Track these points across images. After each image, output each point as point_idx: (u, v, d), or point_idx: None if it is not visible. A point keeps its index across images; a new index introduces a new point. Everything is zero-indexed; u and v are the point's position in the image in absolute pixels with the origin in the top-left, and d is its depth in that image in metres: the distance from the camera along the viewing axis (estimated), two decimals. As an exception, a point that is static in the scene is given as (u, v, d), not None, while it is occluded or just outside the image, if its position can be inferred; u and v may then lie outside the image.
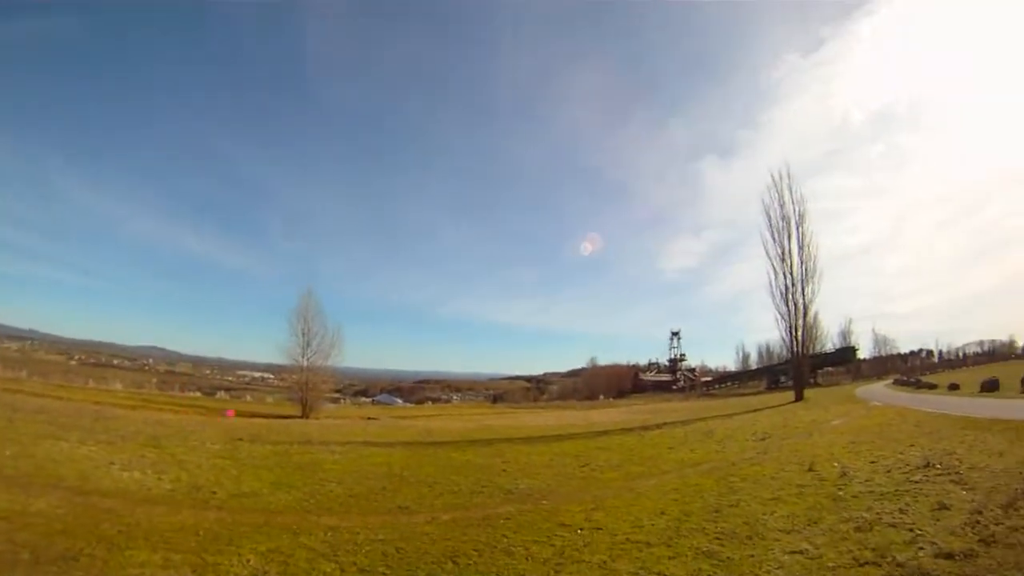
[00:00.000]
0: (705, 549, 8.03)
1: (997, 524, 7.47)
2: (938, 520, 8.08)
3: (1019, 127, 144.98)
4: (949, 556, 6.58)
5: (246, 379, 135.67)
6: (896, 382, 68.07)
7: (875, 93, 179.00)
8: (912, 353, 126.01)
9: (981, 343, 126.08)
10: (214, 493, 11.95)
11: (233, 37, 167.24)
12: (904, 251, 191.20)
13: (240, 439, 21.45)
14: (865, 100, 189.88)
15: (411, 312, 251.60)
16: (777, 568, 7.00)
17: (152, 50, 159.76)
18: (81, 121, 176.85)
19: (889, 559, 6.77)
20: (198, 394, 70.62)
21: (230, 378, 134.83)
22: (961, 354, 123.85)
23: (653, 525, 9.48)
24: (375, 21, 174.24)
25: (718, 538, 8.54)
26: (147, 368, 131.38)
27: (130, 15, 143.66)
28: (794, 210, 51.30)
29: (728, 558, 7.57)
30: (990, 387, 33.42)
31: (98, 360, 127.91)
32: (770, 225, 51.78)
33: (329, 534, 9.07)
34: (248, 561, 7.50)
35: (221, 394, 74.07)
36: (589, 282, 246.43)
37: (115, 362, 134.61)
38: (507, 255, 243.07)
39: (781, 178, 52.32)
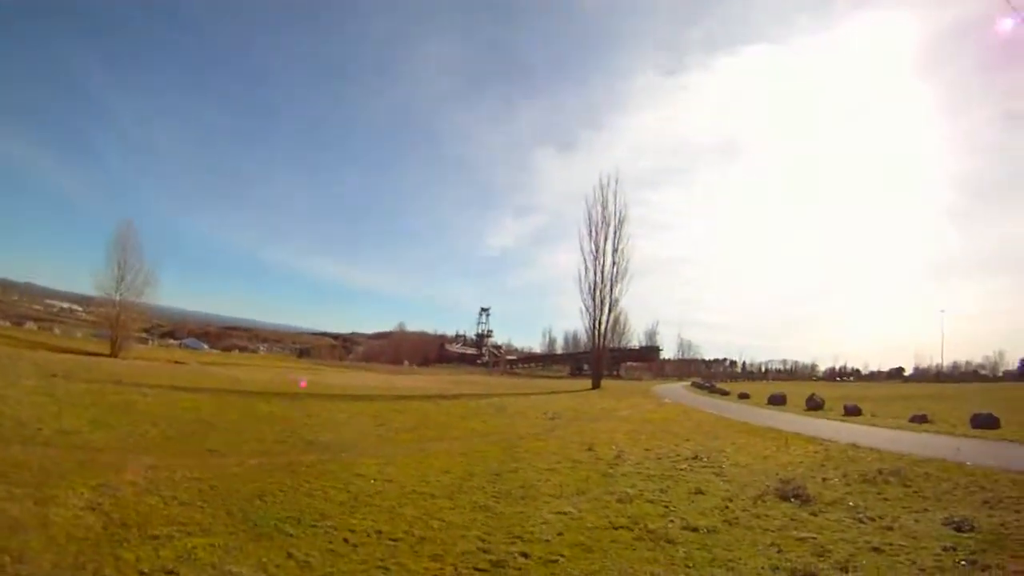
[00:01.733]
0: (482, 504, 9.49)
1: (743, 510, 8.76)
2: (692, 502, 9.44)
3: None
4: (695, 529, 7.90)
5: (55, 309, 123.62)
6: (694, 384, 72.67)
7: (716, 126, 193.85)
8: (716, 360, 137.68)
9: (784, 361, 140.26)
10: (39, 430, 12.01)
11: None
12: (717, 269, 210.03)
13: (55, 375, 20.98)
14: (706, 129, 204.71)
15: (228, 254, 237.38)
16: (542, 523, 8.37)
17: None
18: None
19: (641, 526, 8.15)
20: (7, 324, 64.27)
21: (38, 307, 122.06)
22: (763, 368, 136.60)
23: (439, 481, 10.97)
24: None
25: (495, 496, 10.02)
26: None
27: None
28: (615, 213, 54.96)
29: (501, 512, 9.02)
30: (777, 401, 35.91)
31: None
32: (589, 223, 55.20)
33: (149, 472, 9.69)
34: (82, 494, 8.01)
35: (30, 324, 67.79)
36: (406, 246, 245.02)
37: None
38: (333, 208, 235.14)
39: (609, 182, 56.06)
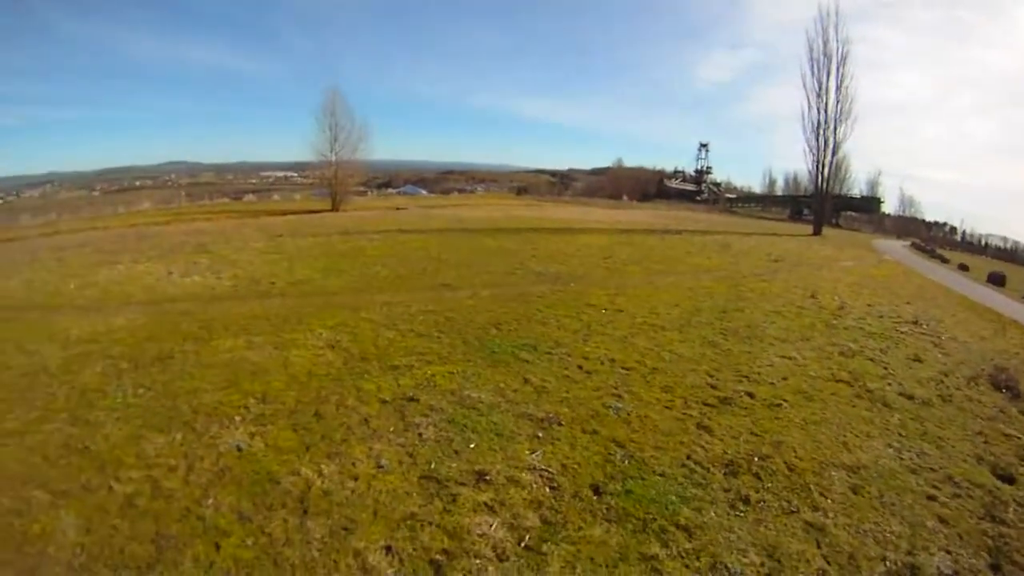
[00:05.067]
0: (711, 339, 9.15)
1: (957, 389, 8.25)
2: (910, 368, 8.93)
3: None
4: (911, 398, 7.44)
5: (270, 179, 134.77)
6: (914, 245, 66.61)
7: None
8: (936, 223, 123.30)
9: (1005, 239, 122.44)
10: (272, 283, 12.72)
11: None
12: (940, 122, 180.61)
13: (281, 235, 22.08)
14: None
15: (436, 103, 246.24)
16: (767, 365, 8.05)
17: None
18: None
19: (861, 384, 7.70)
20: (226, 200, 70.13)
21: (254, 180, 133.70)
22: (983, 242, 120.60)
23: (668, 314, 10.58)
24: None
25: (722, 333, 9.64)
26: (171, 184, 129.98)
27: None
28: (837, 49, 48.41)
29: (728, 349, 8.68)
30: (996, 280, 32.75)
31: (120, 186, 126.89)
32: (811, 58, 48.99)
33: (384, 308, 10.13)
34: (320, 334, 8.51)
35: (249, 196, 73.98)
36: (618, 82, 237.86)
37: (137, 184, 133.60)
38: (538, 52, 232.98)
39: (829, 14, 49.10)
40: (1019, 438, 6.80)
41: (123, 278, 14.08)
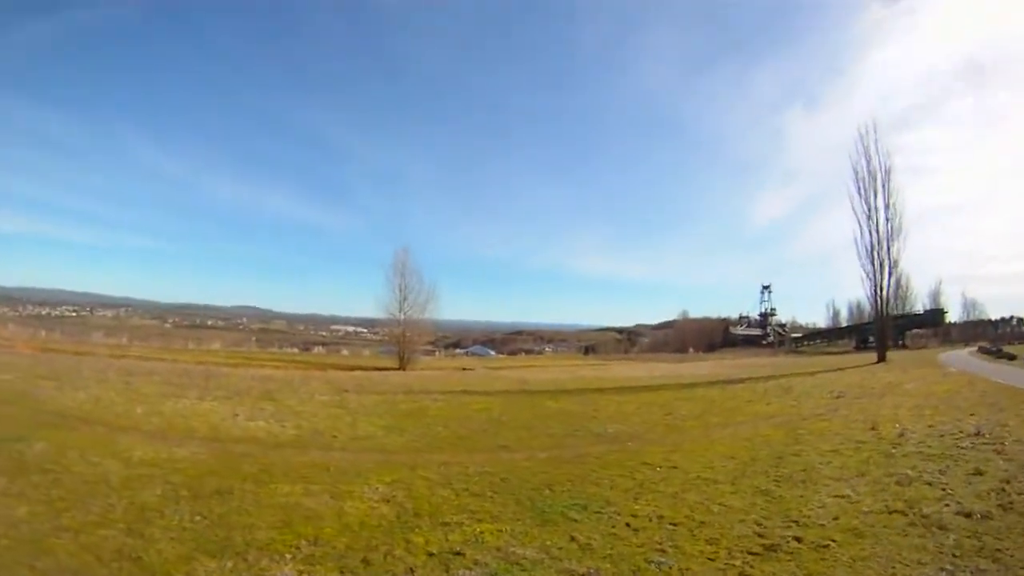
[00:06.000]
0: (763, 488, 9.02)
1: (1019, 494, 7.98)
2: (970, 484, 8.67)
3: None
4: (968, 515, 7.17)
5: (340, 333, 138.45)
6: (980, 349, 63.94)
7: (960, 44, 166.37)
8: (1003, 320, 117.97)
9: None
10: (335, 437, 13.18)
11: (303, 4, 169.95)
12: (998, 213, 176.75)
13: (346, 390, 22.81)
14: (950, 52, 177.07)
15: (500, 265, 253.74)
16: (819, 507, 7.87)
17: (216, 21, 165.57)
18: (151, 92, 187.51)
19: (916, 510, 7.46)
20: (295, 350, 71.33)
21: (324, 333, 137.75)
22: None
23: (723, 467, 10.52)
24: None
25: (776, 480, 9.49)
26: (242, 327, 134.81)
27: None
28: (880, 165, 49.17)
29: (780, 496, 8.55)
30: None
31: (193, 322, 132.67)
32: (856, 180, 49.81)
33: (442, 468, 10.36)
34: (377, 488, 8.80)
35: (318, 349, 75.79)
36: (677, 234, 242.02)
37: (209, 323, 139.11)
38: (595, 209, 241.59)
39: (867, 132, 50.09)
40: (1089, 536, 6.47)
41: (189, 412, 14.72)
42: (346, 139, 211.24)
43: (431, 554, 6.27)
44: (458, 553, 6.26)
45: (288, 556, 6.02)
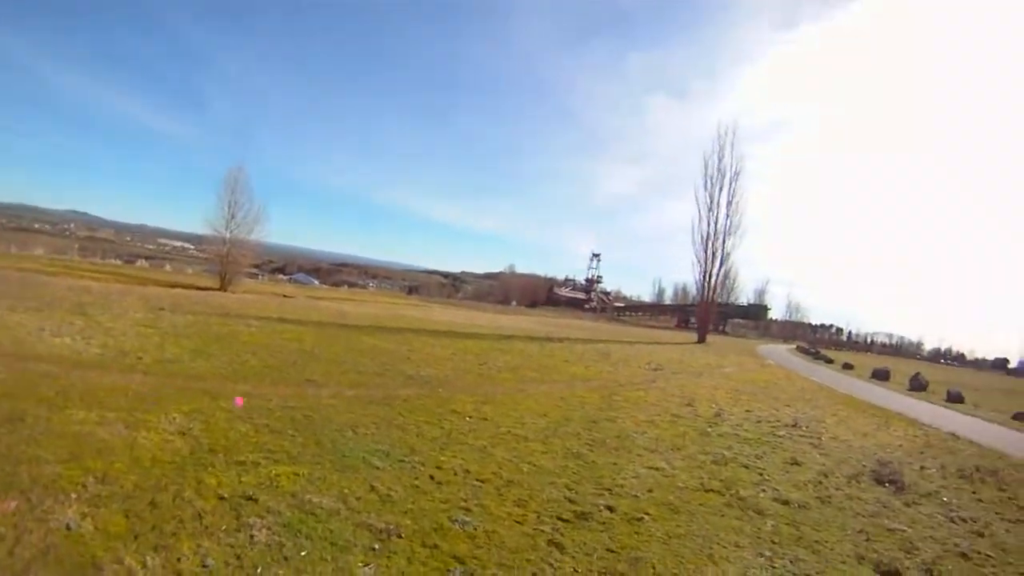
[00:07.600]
0: (575, 451, 9.14)
1: (837, 489, 8.53)
2: (787, 472, 9.19)
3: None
4: (786, 503, 7.60)
5: (167, 248, 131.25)
6: (799, 348, 70.54)
7: (825, 87, 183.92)
8: (822, 326, 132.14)
9: (890, 335, 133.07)
10: (139, 359, 12.27)
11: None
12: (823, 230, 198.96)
13: (162, 308, 21.59)
14: (815, 92, 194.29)
15: (344, 195, 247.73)
16: (633, 477, 8.03)
17: None
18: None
19: (733, 492, 7.80)
20: (118, 261, 67.71)
21: (151, 246, 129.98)
22: (868, 340, 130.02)
23: (534, 424, 10.61)
24: None
25: (589, 444, 9.66)
26: (68, 234, 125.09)
27: None
28: (731, 164, 53.14)
29: (592, 461, 8.66)
30: (880, 376, 34.19)
31: (19, 224, 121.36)
32: (705, 173, 53.62)
33: (243, 399, 9.73)
34: (174, 419, 8.09)
35: (141, 262, 71.33)
36: (518, 190, 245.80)
37: (37, 226, 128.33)
38: (443, 151, 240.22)
39: (726, 132, 53.98)
40: (904, 531, 7.06)
41: (-3, 324, 13.67)
42: (210, 45, 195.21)
43: (222, 498, 5.73)
44: (251, 498, 5.77)
45: (73, 496, 5.30)
